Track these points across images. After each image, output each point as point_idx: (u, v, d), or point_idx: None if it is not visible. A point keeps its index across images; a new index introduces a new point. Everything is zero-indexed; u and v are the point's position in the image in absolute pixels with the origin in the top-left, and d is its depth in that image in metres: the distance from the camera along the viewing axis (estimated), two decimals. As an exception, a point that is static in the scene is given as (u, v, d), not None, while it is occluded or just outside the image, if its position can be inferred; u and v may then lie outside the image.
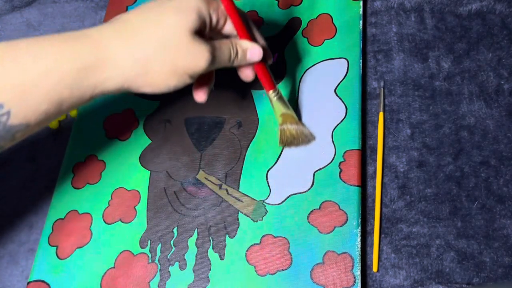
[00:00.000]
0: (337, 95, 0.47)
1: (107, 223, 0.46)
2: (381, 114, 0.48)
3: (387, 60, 0.51)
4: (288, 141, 0.45)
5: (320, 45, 0.50)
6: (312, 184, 0.44)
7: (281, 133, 0.45)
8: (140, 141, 0.49)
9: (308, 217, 0.42)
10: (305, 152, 0.45)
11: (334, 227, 0.42)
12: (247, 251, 0.42)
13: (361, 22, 0.50)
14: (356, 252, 0.41)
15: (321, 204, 0.43)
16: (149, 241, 0.44)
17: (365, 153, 0.47)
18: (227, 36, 0.39)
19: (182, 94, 0.51)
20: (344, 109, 0.47)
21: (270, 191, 0.44)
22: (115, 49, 0.32)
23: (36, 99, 0.30)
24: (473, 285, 0.41)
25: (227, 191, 0.45)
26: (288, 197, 0.44)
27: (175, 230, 0.44)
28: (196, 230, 0.44)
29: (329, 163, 0.44)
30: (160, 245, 0.44)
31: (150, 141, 0.49)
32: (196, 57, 0.34)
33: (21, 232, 0.49)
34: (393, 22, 0.52)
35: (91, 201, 0.47)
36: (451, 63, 0.50)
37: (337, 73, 0.49)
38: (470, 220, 0.43)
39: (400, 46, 0.51)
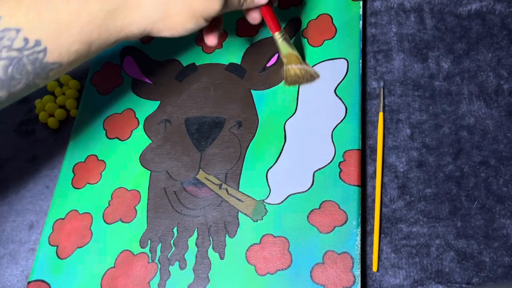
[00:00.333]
0: (337, 95, 0.47)
1: (107, 223, 0.46)
2: (381, 114, 0.48)
3: (387, 60, 0.51)
4: (292, 80, 0.48)
5: (320, 45, 0.50)
6: (312, 184, 0.44)
7: (286, 73, 0.48)
8: (140, 141, 0.49)
9: (308, 217, 0.43)
10: (305, 152, 0.45)
11: (334, 227, 0.42)
12: (247, 250, 0.42)
13: (361, 22, 0.51)
14: (356, 252, 0.41)
15: (321, 204, 0.43)
16: (149, 241, 0.44)
17: (365, 153, 0.47)
18: None
19: (182, 94, 0.51)
20: (344, 109, 0.47)
21: (270, 191, 0.44)
22: None
23: (69, 38, 0.32)
24: (473, 285, 0.41)
25: (227, 191, 0.45)
26: (288, 197, 0.44)
27: (175, 230, 0.44)
28: (196, 230, 0.44)
29: (329, 163, 0.44)
30: (160, 244, 0.44)
31: (150, 141, 0.49)
32: (211, 1, 0.36)
33: (21, 232, 0.49)
34: (393, 22, 0.52)
35: (91, 201, 0.47)
36: (450, 63, 0.50)
37: (337, 73, 0.49)
38: (469, 220, 0.43)
39: (400, 46, 0.51)
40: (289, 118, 0.47)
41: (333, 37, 0.51)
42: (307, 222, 0.42)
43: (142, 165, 0.48)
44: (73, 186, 0.48)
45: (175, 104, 0.50)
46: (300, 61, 0.48)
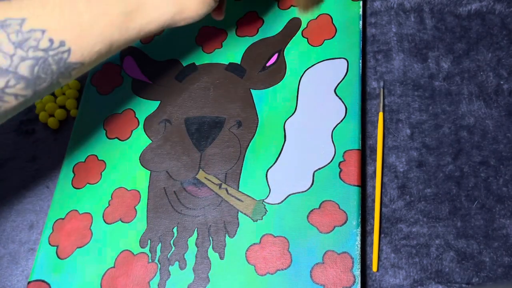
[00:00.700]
0: (337, 95, 0.47)
1: (107, 223, 0.46)
2: (380, 114, 0.48)
3: (386, 60, 0.51)
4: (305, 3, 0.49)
5: (320, 45, 0.50)
6: (312, 184, 0.44)
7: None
8: (140, 141, 0.49)
9: (308, 216, 0.43)
10: (305, 151, 0.45)
11: (334, 227, 0.42)
12: (247, 250, 0.42)
13: (360, 22, 0.51)
14: (356, 252, 0.41)
15: (320, 203, 0.43)
16: (149, 241, 0.44)
17: (365, 153, 0.47)
18: None
19: (182, 94, 0.51)
20: (344, 109, 0.47)
21: (270, 190, 0.44)
22: None
23: (91, 39, 0.33)
24: (473, 284, 0.41)
25: (227, 190, 0.45)
26: (287, 196, 0.44)
27: (175, 229, 0.44)
28: (196, 229, 0.44)
29: (329, 163, 0.44)
30: (160, 244, 0.44)
31: (150, 141, 0.49)
32: None
33: (21, 232, 0.49)
34: (392, 22, 0.52)
35: (91, 201, 0.47)
36: (450, 63, 0.50)
37: (337, 73, 0.49)
38: (469, 220, 0.43)
39: (400, 46, 0.51)
40: (289, 118, 0.47)
41: (333, 37, 0.51)
42: (307, 222, 0.42)
43: (142, 165, 0.48)
44: (73, 186, 0.48)
45: (175, 104, 0.51)
46: None
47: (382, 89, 0.49)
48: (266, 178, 0.45)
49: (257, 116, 0.48)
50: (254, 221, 0.43)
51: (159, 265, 0.43)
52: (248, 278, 0.41)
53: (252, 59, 0.51)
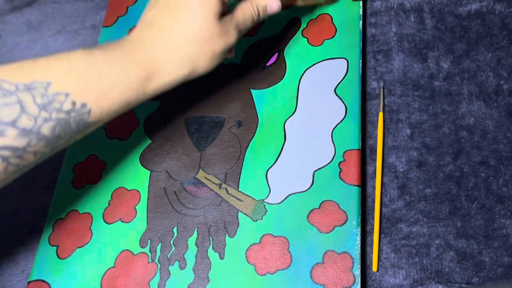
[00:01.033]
0: (337, 95, 0.47)
1: (107, 223, 0.46)
2: (380, 114, 0.48)
3: (386, 60, 0.51)
4: None
5: (320, 45, 0.50)
6: (312, 184, 0.44)
7: None
8: (140, 141, 0.49)
9: (308, 216, 0.43)
10: (305, 151, 0.45)
11: (334, 227, 0.42)
12: (247, 250, 0.42)
13: (360, 22, 0.51)
14: (356, 252, 0.41)
15: (320, 203, 0.43)
16: (149, 241, 0.44)
17: (365, 153, 0.47)
18: None
19: (182, 94, 0.51)
20: (344, 109, 0.47)
21: (269, 190, 0.44)
22: (164, 58, 0.37)
23: (110, 101, 0.35)
24: (473, 284, 0.41)
25: (227, 190, 0.45)
26: (287, 196, 0.44)
27: (175, 229, 0.44)
28: (196, 229, 0.44)
29: (329, 163, 0.44)
30: (160, 244, 0.44)
31: (150, 141, 0.49)
32: (227, 38, 0.39)
33: (21, 232, 0.49)
34: (392, 23, 0.52)
35: (91, 201, 0.47)
36: (450, 63, 0.50)
37: (337, 73, 0.49)
38: (469, 220, 0.43)
39: (400, 46, 0.51)
40: (289, 118, 0.47)
41: (333, 37, 0.51)
42: (307, 222, 0.42)
43: (142, 165, 0.48)
44: (73, 186, 0.48)
45: (175, 104, 0.51)
46: None
47: (382, 89, 0.49)
48: (266, 178, 0.45)
49: (257, 116, 0.48)
50: (254, 221, 0.43)
51: (159, 265, 0.43)
52: (248, 278, 0.41)
53: (252, 59, 0.51)
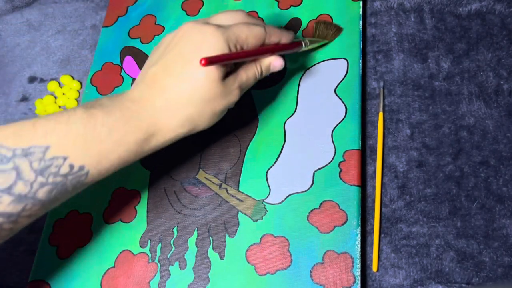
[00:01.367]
0: (337, 95, 0.47)
1: (107, 223, 0.46)
2: (380, 114, 0.48)
3: (386, 60, 0.51)
4: (321, 30, 0.49)
5: (320, 45, 0.51)
6: (312, 184, 0.44)
7: (316, 27, 0.50)
8: (140, 141, 0.49)
9: (308, 216, 0.43)
10: (305, 151, 0.45)
11: (334, 227, 0.42)
12: (247, 250, 0.42)
13: (361, 22, 0.51)
14: (356, 252, 0.41)
15: (321, 203, 0.43)
16: (149, 241, 0.44)
17: (365, 153, 0.47)
18: None
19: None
20: (344, 109, 0.47)
21: (270, 190, 0.44)
22: (165, 118, 0.36)
23: (108, 164, 0.35)
24: (473, 284, 0.41)
25: (227, 190, 0.45)
26: (287, 196, 0.44)
27: (175, 229, 0.44)
28: (196, 229, 0.44)
29: (329, 163, 0.44)
30: (160, 244, 0.44)
31: (150, 141, 0.49)
32: (230, 97, 0.38)
33: (21, 232, 0.49)
34: (392, 23, 0.52)
35: (92, 200, 0.47)
36: (450, 63, 0.50)
37: (337, 73, 0.49)
38: (469, 220, 0.43)
39: (400, 46, 0.51)
40: (289, 118, 0.47)
41: (333, 37, 0.51)
42: (307, 222, 0.42)
43: (142, 165, 0.48)
44: (73, 186, 0.48)
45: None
46: (331, 35, 0.50)
47: (382, 89, 0.49)
48: (266, 178, 0.45)
49: (257, 116, 0.48)
50: (254, 221, 0.43)
51: (159, 265, 0.43)
52: (248, 278, 0.41)
53: (252, 59, 0.51)
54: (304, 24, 0.52)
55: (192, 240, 0.44)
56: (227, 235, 0.43)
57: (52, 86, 0.56)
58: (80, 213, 0.47)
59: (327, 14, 0.52)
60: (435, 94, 0.48)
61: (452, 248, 0.42)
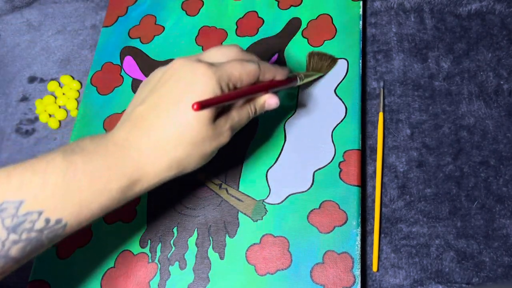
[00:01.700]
0: (337, 95, 0.47)
1: (107, 223, 0.46)
2: (381, 114, 0.48)
3: (386, 60, 0.51)
4: (315, 62, 0.48)
5: (320, 45, 0.50)
6: (312, 184, 0.44)
7: (309, 58, 0.49)
8: (140, 141, 0.49)
9: (308, 216, 0.43)
10: (305, 151, 0.45)
11: (334, 227, 0.42)
12: (247, 250, 0.42)
13: (361, 22, 0.51)
14: (356, 252, 0.41)
15: (321, 203, 0.43)
16: (149, 241, 0.44)
17: (365, 153, 0.47)
18: None
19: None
20: (344, 109, 0.47)
21: (270, 190, 0.44)
22: (151, 162, 0.34)
23: (89, 214, 0.32)
24: (473, 284, 0.41)
25: (227, 190, 0.45)
26: (287, 196, 0.44)
27: (175, 229, 0.44)
28: (196, 229, 0.44)
29: (329, 163, 0.44)
30: (160, 244, 0.44)
31: (150, 141, 0.49)
32: (220, 139, 0.36)
33: (21, 232, 0.49)
34: (392, 23, 0.52)
35: (91, 201, 0.47)
36: (450, 63, 0.50)
37: (337, 73, 0.49)
38: (469, 220, 0.43)
39: (400, 46, 0.51)
40: (289, 118, 0.47)
41: (333, 37, 0.51)
42: (307, 222, 0.42)
43: (142, 165, 0.48)
44: (73, 186, 0.48)
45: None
46: (325, 69, 0.49)
47: (382, 89, 0.49)
48: (266, 178, 0.45)
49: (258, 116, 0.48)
50: (254, 221, 0.43)
51: (159, 265, 0.43)
52: (248, 278, 0.41)
53: (252, 59, 0.51)
54: (304, 24, 0.52)
55: (192, 240, 0.44)
56: (227, 235, 0.43)
57: (52, 86, 0.56)
58: (80, 213, 0.46)
59: (327, 14, 0.52)
60: (435, 94, 0.48)
61: (452, 248, 0.42)
